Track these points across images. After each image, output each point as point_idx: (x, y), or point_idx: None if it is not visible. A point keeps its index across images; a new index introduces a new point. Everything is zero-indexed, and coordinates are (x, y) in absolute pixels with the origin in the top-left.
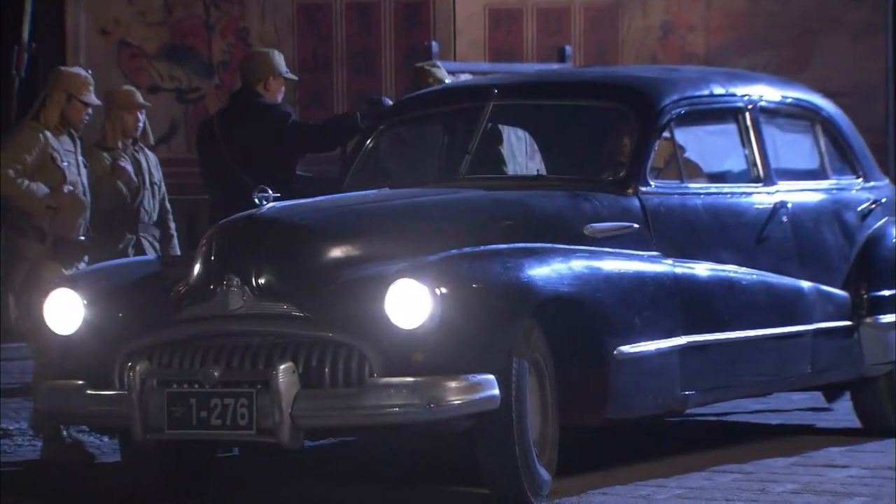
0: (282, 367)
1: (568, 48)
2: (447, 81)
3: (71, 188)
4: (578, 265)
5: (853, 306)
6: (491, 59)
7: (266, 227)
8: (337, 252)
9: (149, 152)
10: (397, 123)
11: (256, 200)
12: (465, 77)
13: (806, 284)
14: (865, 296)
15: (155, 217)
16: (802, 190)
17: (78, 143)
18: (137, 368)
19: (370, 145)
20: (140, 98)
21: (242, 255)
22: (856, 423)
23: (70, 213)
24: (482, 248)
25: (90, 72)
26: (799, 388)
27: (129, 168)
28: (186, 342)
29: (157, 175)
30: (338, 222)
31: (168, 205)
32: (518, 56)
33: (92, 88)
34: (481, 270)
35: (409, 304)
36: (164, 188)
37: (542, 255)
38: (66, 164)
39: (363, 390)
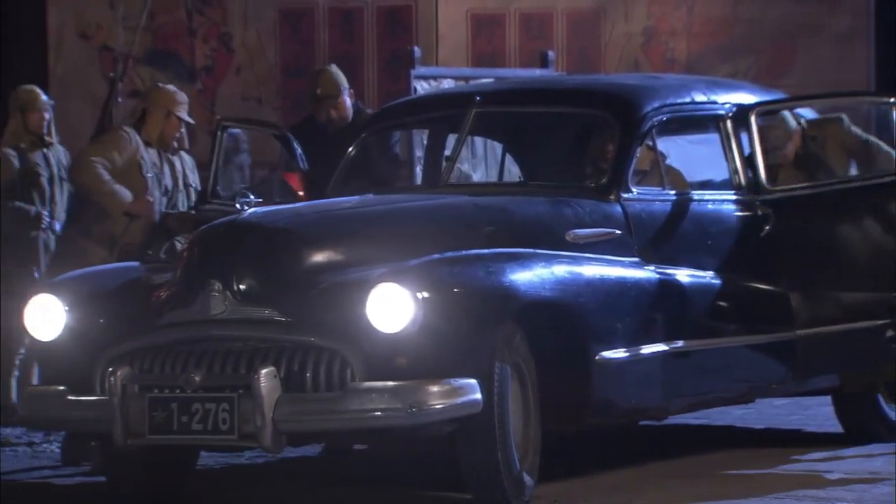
0: (263, 371)
1: (550, 53)
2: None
3: (152, 199)
4: (560, 270)
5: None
6: (473, 65)
7: (248, 231)
8: (319, 256)
9: (185, 155)
10: (381, 130)
11: (238, 205)
12: (447, 83)
13: (789, 291)
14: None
15: None
16: (785, 195)
17: (164, 160)
18: (119, 374)
19: (353, 152)
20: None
21: (224, 259)
22: (839, 427)
23: (142, 225)
24: (464, 252)
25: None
26: (781, 395)
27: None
28: (168, 347)
29: (192, 177)
30: (320, 227)
31: None
32: (500, 61)
33: (187, 107)
34: (463, 275)
35: (391, 308)
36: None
37: (524, 260)
38: (150, 175)
39: (345, 394)
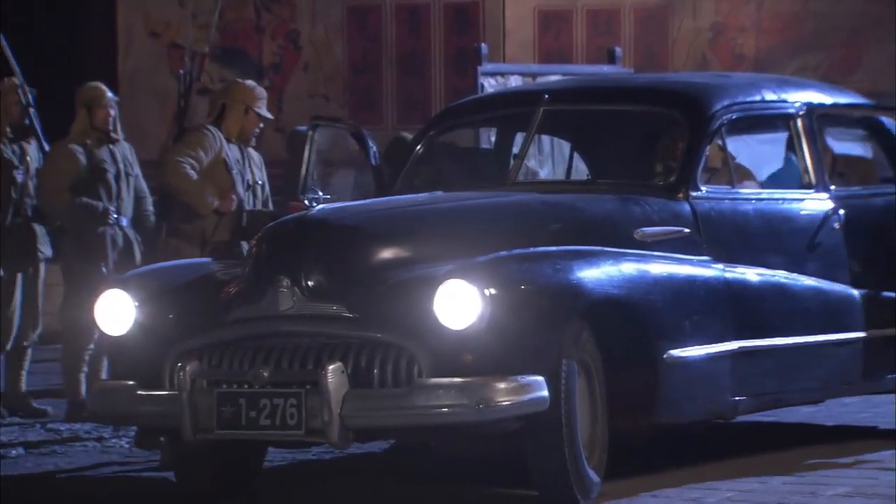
0: (331, 367)
1: (618, 49)
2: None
3: (236, 196)
4: (628, 268)
5: None
6: (540, 61)
7: (316, 228)
8: (386, 253)
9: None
10: (448, 129)
11: (306, 202)
12: (514, 79)
13: (858, 291)
14: None
15: None
16: (854, 196)
17: (245, 154)
18: (188, 369)
19: (420, 150)
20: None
21: (292, 256)
22: None
23: (231, 222)
24: (532, 249)
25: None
26: (851, 394)
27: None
28: (236, 343)
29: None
30: (387, 223)
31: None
32: (567, 58)
33: (265, 102)
34: (531, 272)
35: (459, 304)
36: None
37: (592, 258)
38: (235, 171)
39: (412, 390)
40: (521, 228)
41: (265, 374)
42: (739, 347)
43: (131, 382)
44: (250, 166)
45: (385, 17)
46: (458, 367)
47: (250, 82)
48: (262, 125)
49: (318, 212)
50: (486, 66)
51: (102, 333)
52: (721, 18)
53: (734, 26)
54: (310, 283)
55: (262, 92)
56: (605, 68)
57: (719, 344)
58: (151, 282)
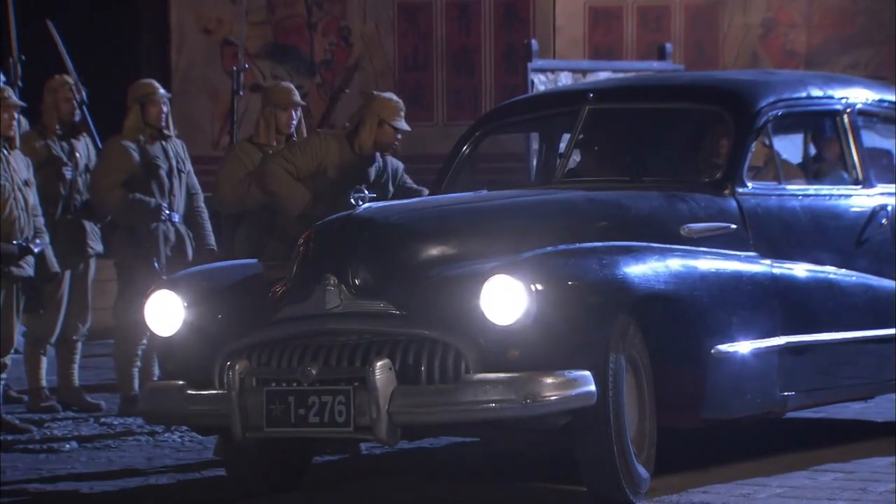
0: (378, 364)
1: (668, 46)
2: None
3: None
4: (675, 264)
5: None
6: (590, 58)
7: (362, 226)
8: (432, 250)
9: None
10: (495, 128)
11: (353, 201)
12: (564, 75)
13: None
14: None
15: None
16: None
17: (377, 164)
18: (237, 368)
19: (466, 150)
20: (297, 96)
21: (339, 254)
22: None
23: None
24: (577, 245)
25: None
26: None
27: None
28: (285, 341)
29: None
30: (433, 221)
31: None
32: (618, 54)
33: (403, 114)
34: (577, 267)
35: (505, 300)
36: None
37: (638, 254)
38: (340, 179)
39: (459, 386)
40: (566, 226)
41: (313, 371)
42: (787, 343)
43: (181, 382)
44: (383, 175)
45: (435, 13)
46: (505, 363)
47: (388, 95)
48: (399, 136)
49: (364, 210)
50: (537, 63)
51: (152, 334)
52: (772, 14)
53: (785, 22)
54: (357, 281)
55: (398, 104)
56: (656, 65)
57: (767, 339)
58: (200, 282)
